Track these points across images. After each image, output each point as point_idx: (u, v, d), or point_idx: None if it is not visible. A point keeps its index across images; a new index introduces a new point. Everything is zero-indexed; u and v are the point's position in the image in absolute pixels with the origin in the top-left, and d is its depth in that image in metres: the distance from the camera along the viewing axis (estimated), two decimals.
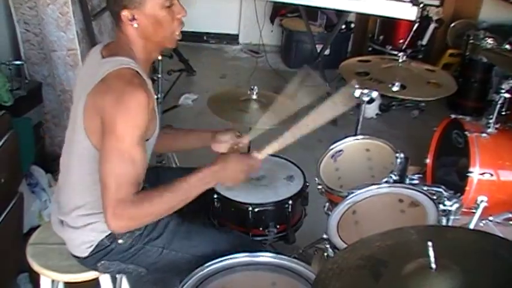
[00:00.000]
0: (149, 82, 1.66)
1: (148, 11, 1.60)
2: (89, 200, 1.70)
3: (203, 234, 1.88)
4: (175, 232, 1.82)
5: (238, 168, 1.73)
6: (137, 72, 1.59)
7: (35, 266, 1.84)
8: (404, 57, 2.64)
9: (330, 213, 1.93)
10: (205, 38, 6.16)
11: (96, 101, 1.56)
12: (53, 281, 1.91)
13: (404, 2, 3.81)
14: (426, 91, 2.51)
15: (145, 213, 1.59)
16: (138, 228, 1.72)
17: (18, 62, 2.99)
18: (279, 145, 1.80)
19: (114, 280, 1.95)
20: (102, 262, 1.78)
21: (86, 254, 1.76)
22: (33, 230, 2.05)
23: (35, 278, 1.94)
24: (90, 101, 1.57)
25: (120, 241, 1.75)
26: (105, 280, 1.89)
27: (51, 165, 2.95)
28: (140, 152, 1.56)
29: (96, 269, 1.81)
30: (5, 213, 2.30)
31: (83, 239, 1.75)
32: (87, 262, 1.79)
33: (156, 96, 3.45)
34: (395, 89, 2.39)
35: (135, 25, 1.61)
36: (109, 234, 1.73)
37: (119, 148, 1.51)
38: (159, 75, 3.54)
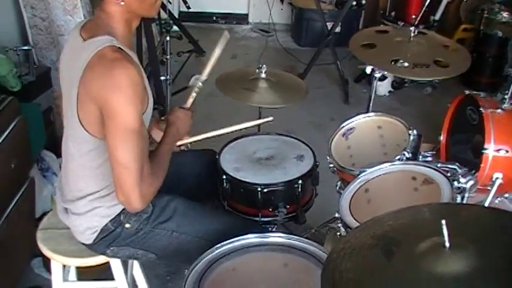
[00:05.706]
0: (133, 55, 1.62)
1: None
2: (91, 186, 1.69)
3: (213, 217, 1.88)
4: (185, 215, 1.81)
5: (186, 119, 1.90)
6: (119, 48, 1.54)
7: (46, 251, 1.84)
8: (416, 32, 2.53)
9: (342, 192, 1.91)
10: (214, 18, 6.07)
11: (87, 89, 1.52)
12: (64, 265, 1.91)
13: None
14: (431, 71, 2.39)
15: (157, 186, 1.63)
16: (145, 211, 1.73)
17: (26, 47, 2.98)
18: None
19: (125, 263, 1.94)
20: (112, 248, 1.77)
21: (92, 240, 1.75)
22: (45, 214, 2.04)
23: (48, 262, 1.95)
24: (82, 91, 1.53)
25: (127, 225, 1.74)
26: (116, 264, 1.88)
27: None
28: (144, 126, 1.58)
29: (105, 255, 1.81)
30: (17, 198, 2.31)
31: (87, 225, 1.74)
32: (96, 248, 1.79)
33: (165, 77, 3.47)
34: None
35: (122, 3, 1.57)
36: (113, 219, 1.72)
37: (128, 128, 1.49)
38: (168, 57, 3.52)
